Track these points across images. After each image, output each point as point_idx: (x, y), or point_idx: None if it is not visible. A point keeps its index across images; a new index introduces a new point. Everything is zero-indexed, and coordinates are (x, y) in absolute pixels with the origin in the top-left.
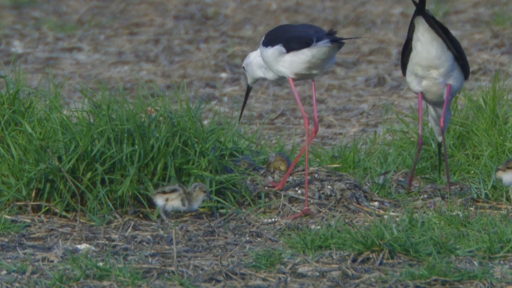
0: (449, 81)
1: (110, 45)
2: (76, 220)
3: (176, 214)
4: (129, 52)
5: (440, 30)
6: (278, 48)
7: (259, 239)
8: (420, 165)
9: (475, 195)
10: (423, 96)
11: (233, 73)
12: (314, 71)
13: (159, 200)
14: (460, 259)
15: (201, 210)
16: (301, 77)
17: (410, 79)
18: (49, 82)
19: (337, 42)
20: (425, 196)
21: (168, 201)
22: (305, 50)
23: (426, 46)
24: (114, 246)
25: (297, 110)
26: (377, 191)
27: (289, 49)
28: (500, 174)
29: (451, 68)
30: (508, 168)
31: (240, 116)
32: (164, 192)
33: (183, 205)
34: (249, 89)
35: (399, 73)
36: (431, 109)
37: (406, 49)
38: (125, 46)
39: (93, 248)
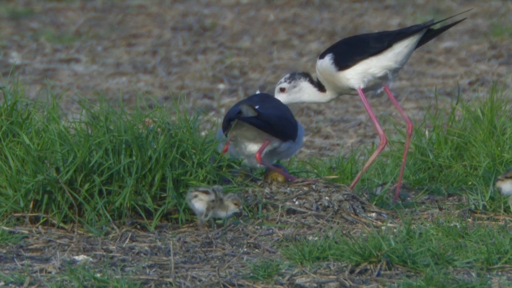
0: None
1: (108, 56)
2: (74, 231)
3: (174, 226)
4: (127, 63)
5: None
6: (219, 133)
7: (256, 250)
8: (417, 176)
9: (472, 206)
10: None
11: (231, 84)
12: (246, 150)
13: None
14: (458, 270)
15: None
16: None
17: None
18: (47, 93)
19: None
20: (423, 207)
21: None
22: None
23: None
24: (112, 257)
25: None
26: (375, 202)
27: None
28: (499, 184)
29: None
30: (507, 178)
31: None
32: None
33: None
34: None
35: (396, 84)
36: None
37: None
38: (123, 57)
39: (91, 259)
